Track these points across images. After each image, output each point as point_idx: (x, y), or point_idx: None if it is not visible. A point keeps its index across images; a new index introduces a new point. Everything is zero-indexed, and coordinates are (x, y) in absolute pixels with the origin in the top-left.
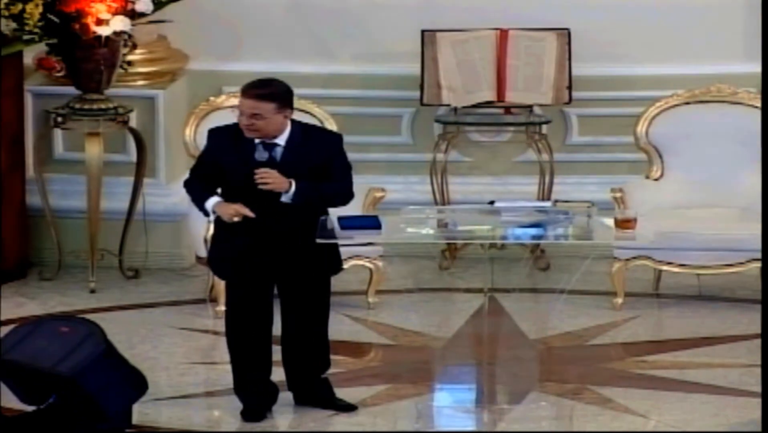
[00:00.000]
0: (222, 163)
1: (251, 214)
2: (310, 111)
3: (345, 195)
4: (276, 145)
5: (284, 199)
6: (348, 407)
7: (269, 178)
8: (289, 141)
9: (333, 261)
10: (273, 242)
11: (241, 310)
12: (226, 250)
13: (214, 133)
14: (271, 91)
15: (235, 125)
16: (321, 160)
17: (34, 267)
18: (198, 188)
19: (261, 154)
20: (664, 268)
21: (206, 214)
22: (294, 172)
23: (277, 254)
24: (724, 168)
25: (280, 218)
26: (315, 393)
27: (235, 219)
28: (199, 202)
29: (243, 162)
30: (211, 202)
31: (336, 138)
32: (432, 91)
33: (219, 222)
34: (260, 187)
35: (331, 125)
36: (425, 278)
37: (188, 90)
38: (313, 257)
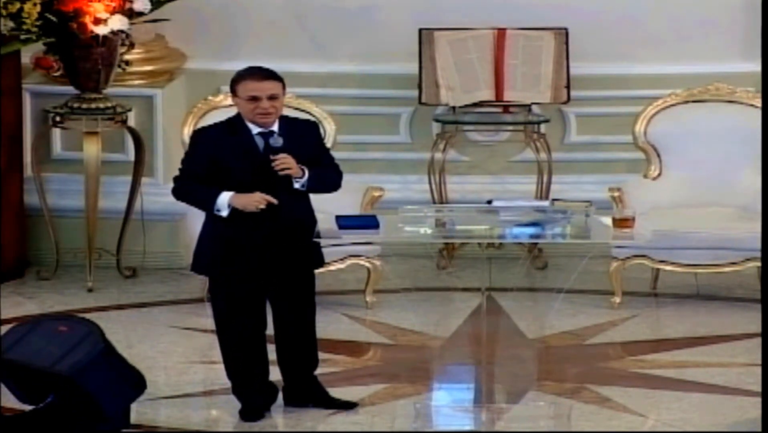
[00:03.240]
0: (220, 160)
1: (275, 201)
2: (309, 110)
3: (340, 179)
4: (272, 132)
5: (297, 185)
6: (348, 405)
7: (289, 163)
8: (280, 130)
9: (317, 255)
10: (285, 232)
11: (240, 309)
12: (233, 247)
13: (203, 133)
14: (274, 71)
15: (221, 124)
16: (315, 149)
17: (32, 266)
18: (199, 189)
19: (276, 141)
20: (662, 267)
21: (213, 211)
22: (296, 159)
23: (278, 248)
24: (722, 167)
25: (295, 204)
26: (313, 392)
27: (262, 207)
28: (206, 201)
29: (246, 153)
30: (226, 196)
31: (316, 125)
32: (430, 91)
33: (214, 218)
34: (281, 173)
35: (330, 124)
36: (423, 277)
37: (186, 89)
38: (302, 251)
